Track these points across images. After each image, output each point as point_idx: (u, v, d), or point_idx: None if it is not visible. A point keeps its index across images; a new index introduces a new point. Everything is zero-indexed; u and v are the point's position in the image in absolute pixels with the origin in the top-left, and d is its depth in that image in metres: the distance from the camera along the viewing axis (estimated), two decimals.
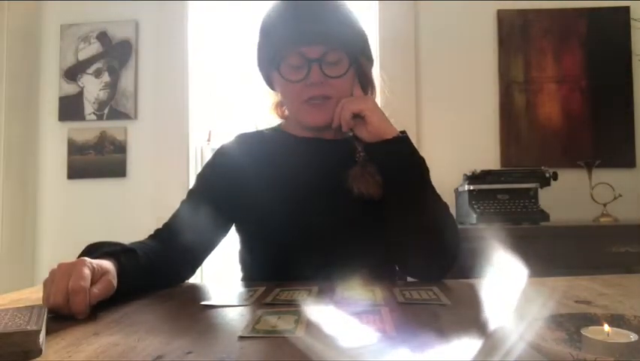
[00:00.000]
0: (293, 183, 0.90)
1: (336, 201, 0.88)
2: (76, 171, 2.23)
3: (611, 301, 0.60)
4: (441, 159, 1.95)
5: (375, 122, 0.86)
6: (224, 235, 0.96)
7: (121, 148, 2.21)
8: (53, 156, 2.25)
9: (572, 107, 2.13)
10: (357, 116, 0.87)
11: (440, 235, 0.83)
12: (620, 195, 1.86)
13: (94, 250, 0.69)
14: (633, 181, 2.05)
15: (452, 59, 2.18)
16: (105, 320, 0.56)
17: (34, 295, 0.73)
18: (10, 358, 0.41)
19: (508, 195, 1.79)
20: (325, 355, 0.41)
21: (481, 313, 0.52)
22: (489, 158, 2.12)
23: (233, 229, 0.97)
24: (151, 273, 0.74)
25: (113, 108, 2.22)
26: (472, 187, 1.81)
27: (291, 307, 0.58)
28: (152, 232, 0.90)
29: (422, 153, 0.88)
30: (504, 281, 0.62)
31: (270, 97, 1.02)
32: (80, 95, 2.24)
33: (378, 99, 1.01)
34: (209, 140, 2.33)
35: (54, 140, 2.25)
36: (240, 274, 0.99)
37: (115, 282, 0.63)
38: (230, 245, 0.99)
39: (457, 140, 2.15)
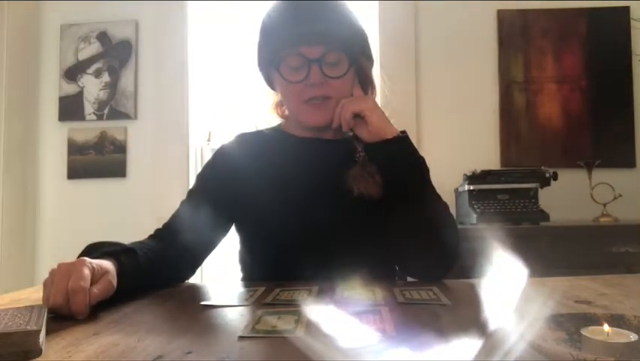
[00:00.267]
0: (293, 183, 0.90)
1: (336, 201, 0.88)
2: (76, 171, 2.23)
3: (611, 301, 0.60)
4: (441, 159, 1.95)
5: (376, 122, 0.86)
6: (224, 235, 0.96)
7: (121, 148, 2.21)
8: (53, 156, 2.25)
9: (572, 107, 2.13)
10: (358, 116, 0.87)
11: (440, 234, 0.83)
12: (620, 195, 1.86)
13: (94, 250, 0.69)
14: (633, 181, 2.05)
15: (452, 59, 2.18)
16: (105, 320, 0.56)
17: (34, 295, 0.73)
18: (10, 358, 0.41)
19: (508, 195, 1.79)
20: (325, 355, 0.41)
21: (481, 313, 0.52)
22: (489, 158, 2.12)
23: (233, 229, 0.97)
24: (151, 273, 0.74)
25: (113, 108, 2.22)
26: (472, 187, 1.81)
27: (291, 307, 0.58)
28: (152, 232, 0.90)
29: (422, 153, 0.88)
30: (504, 281, 0.62)
31: (270, 97, 1.02)
32: (80, 95, 2.24)
33: (379, 99, 1.01)
34: (209, 140, 2.33)
35: (54, 140, 2.25)
36: (240, 274, 0.99)
37: (115, 282, 0.63)
38: (230, 245, 0.99)
39: (457, 140, 2.15)
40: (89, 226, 2.18)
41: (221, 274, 2.02)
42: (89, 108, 2.23)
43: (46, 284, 0.59)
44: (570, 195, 1.99)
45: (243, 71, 2.27)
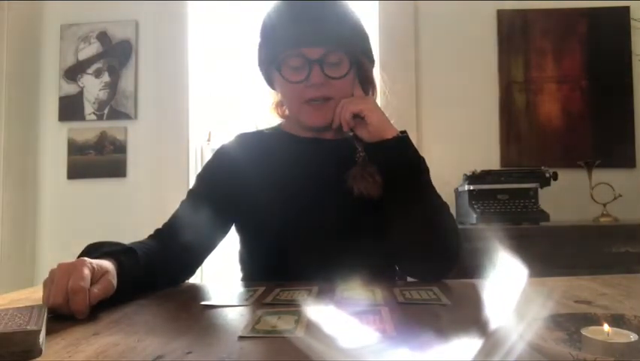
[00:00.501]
0: (293, 183, 0.90)
1: (336, 201, 0.88)
2: (76, 171, 2.23)
3: (611, 301, 0.60)
4: (441, 159, 1.94)
5: (375, 122, 0.86)
6: (224, 235, 0.96)
7: (121, 148, 2.21)
8: (53, 156, 2.25)
9: (572, 107, 2.13)
10: (358, 117, 0.87)
11: (440, 235, 0.83)
12: (620, 195, 1.86)
13: (94, 250, 0.69)
14: (633, 181, 2.04)
15: (452, 58, 2.18)
16: (105, 320, 0.56)
17: (34, 295, 0.73)
18: (10, 358, 0.41)
19: (508, 195, 1.79)
20: (325, 355, 0.41)
21: (481, 313, 0.52)
22: (489, 158, 2.12)
23: (233, 229, 0.97)
24: (151, 273, 0.74)
25: (113, 108, 2.22)
26: (472, 187, 1.81)
27: (291, 307, 0.58)
28: (152, 232, 0.90)
29: (422, 153, 0.88)
30: (504, 281, 0.62)
31: (271, 97, 1.02)
32: (80, 95, 2.24)
33: (379, 99, 1.01)
34: (209, 140, 2.33)
35: (54, 140, 2.25)
36: (240, 274, 0.99)
37: (115, 282, 0.63)
38: (230, 245, 0.99)
39: (457, 140, 2.14)
40: (89, 226, 2.18)
41: (221, 274, 2.01)
42: (89, 108, 2.23)
43: (46, 284, 0.59)
44: (570, 195, 1.99)
45: (243, 71, 2.27)
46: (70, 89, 2.25)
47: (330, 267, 0.75)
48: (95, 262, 0.62)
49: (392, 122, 0.88)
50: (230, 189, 0.92)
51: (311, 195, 0.88)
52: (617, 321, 0.43)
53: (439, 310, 0.58)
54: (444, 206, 0.87)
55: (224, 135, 1.74)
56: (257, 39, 0.94)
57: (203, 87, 2.34)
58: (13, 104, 2.14)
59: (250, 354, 0.42)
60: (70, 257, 0.63)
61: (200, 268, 0.96)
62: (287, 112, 1.00)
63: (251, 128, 1.05)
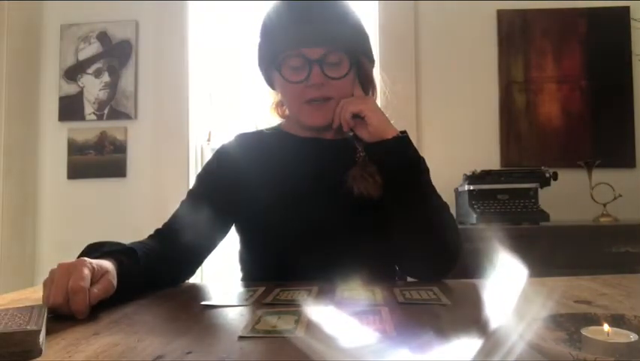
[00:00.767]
0: (293, 183, 0.90)
1: (336, 202, 0.88)
2: (76, 171, 2.23)
3: (611, 301, 0.60)
4: (441, 159, 1.94)
5: (375, 123, 0.86)
6: (224, 235, 0.96)
7: (121, 148, 2.21)
8: (53, 156, 2.25)
9: (572, 107, 2.13)
10: (357, 117, 0.87)
11: (440, 235, 0.83)
12: (620, 195, 1.86)
13: (94, 250, 0.69)
14: (633, 181, 2.04)
15: (452, 58, 2.18)
16: (105, 320, 0.56)
17: (34, 295, 0.73)
18: (10, 358, 0.41)
19: (508, 195, 1.79)
20: (325, 355, 0.41)
21: (481, 313, 0.52)
22: (489, 158, 2.12)
23: (233, 228, 0.97)
24: (151, 273, 0.74)
25: (113, 108, 2.22)
26: (472, 187, 1.81)
27: (291, 307, 0.58)
28: (152, 232, 0.90)
29: (422, 153, 0.88)
30: (504, 281, 0.62)
31: (271, 97, 1.02)
32: (80, 95, 2.24)
33: (379, 99, 1.01)
34: (209, 140, 2.33)
35: (54, 140, 2.25)
36: (240, 274, 0.99)
37: (115, 282, 0.63)
38: (230, 245, 0.99)
39: (457, 140, 2.15)
40: (89, 226, 2.18)
41: (221, 274, 2.01)
42: (89, 108, 2.23)
43: (46, 284, 0.59)
44: (570, 195, 1.98)
45: (243, 70, 2.27)
46: (70, 89, 2.25)
47: (330, 267, 0.75)
48: (95, 262, 0.62)
49: (392, 122, 0.88)
50: (230, 189, 0.92)
51: (311, 196, 0.88)
52: (617, 321, 0.43)
53: (439, 310, 0.58)
54: (444, 206, 0.87)
55: (224, 135, 1.74)
56: (257, 39, 0.94)
57: (203, 87, 2.34)
58: (13, 104, 2.14)
59: (250, 354, 0.42)
60: (71, 257, 0.63)
61: (200, 268, 0.96)
62: (287, 112, 1.00)
63: (251, 128, 1.05)
